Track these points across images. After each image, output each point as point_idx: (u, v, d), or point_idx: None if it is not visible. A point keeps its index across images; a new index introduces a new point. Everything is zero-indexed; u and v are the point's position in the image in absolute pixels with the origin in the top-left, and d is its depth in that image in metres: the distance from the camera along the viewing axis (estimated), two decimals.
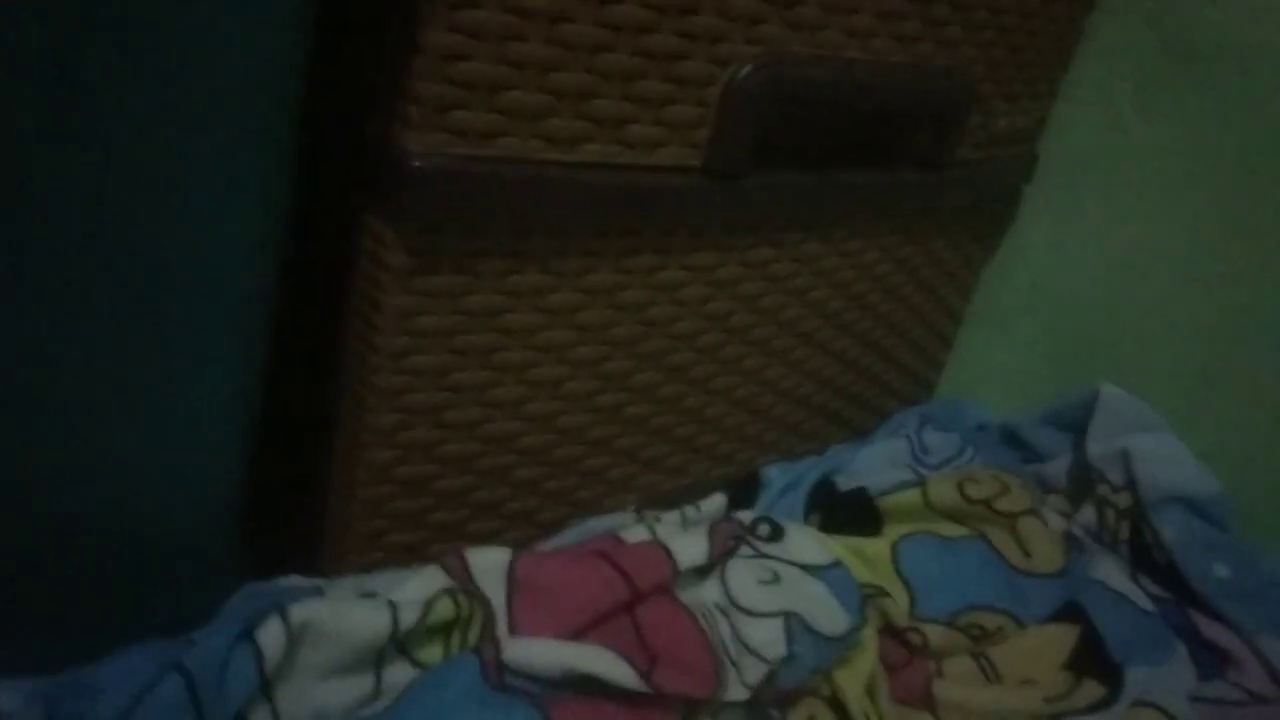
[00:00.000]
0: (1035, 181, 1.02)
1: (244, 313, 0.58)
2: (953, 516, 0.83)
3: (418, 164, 0.56)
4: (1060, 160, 1.01)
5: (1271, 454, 0.89)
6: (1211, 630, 0.81)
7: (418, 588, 0.61)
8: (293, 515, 0.69)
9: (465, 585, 0.63)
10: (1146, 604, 0.81)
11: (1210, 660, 0.79)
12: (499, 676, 0.61)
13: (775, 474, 0.88)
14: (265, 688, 0.54)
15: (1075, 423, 0.97)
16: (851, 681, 0.73)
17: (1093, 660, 0.75)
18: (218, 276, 0.55)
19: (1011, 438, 1.03)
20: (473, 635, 0.62)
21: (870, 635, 0.74)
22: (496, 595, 0.64)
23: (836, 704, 0.72)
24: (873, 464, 0.89)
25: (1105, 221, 0.99)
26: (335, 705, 0.58)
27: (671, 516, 0.80)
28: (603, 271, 0.69)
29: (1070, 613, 0.77)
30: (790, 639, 0.67)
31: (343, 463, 0.66)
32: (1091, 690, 0.72)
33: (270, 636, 0.54)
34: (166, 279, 0.52)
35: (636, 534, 0.73)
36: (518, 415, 0.70)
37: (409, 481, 0.67)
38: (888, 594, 0.78)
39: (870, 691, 0.73)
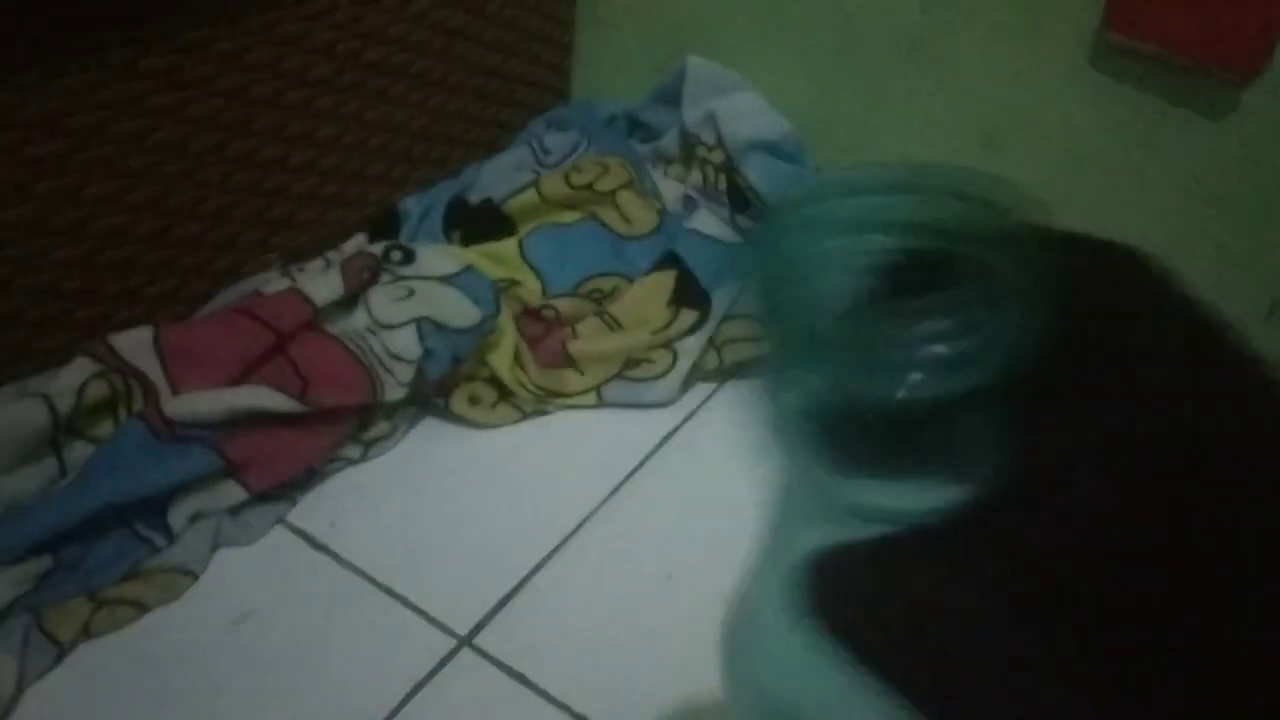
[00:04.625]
0: None
1: None
2: (566, 204, 0.95)
3: None
4: None
5: (829, 94, 1.04)
6: None
7: (69, 378, 0.69)
8: None
9: (117, 366, 0.71)
10: (735, 239, 0.98)
11: None
12: (170, 431, 0.71)
13: (412, 204, 0.97)
14: None
15: (677, 96, 1.09)
16: (501, 359, 0.87)
17: (690, 293, 0.91)
18: None
19: (635, 123, 1.15)
20: (136, 407, 0.71)
21: (507, 319, 0.88)
22: (151, 368, 0.73)
23: (494, 380, 0.87)
24: (498, 175, 0.99)
25: None
26: (27, 490, 0.66)
27: (315, 264, 0.89)
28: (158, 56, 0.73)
29: (668, 260, 0.93)
30: (423, 339, 0.80)
31: None
32: (687, 317, 0.89)
33: None
34: None
35: (278, 287, 0.82)
36: (122, 207, 0.75)
37: (34, 290, 0.73)
38: (520, 283, 0.92)
39: (519, 363, 0.87)
